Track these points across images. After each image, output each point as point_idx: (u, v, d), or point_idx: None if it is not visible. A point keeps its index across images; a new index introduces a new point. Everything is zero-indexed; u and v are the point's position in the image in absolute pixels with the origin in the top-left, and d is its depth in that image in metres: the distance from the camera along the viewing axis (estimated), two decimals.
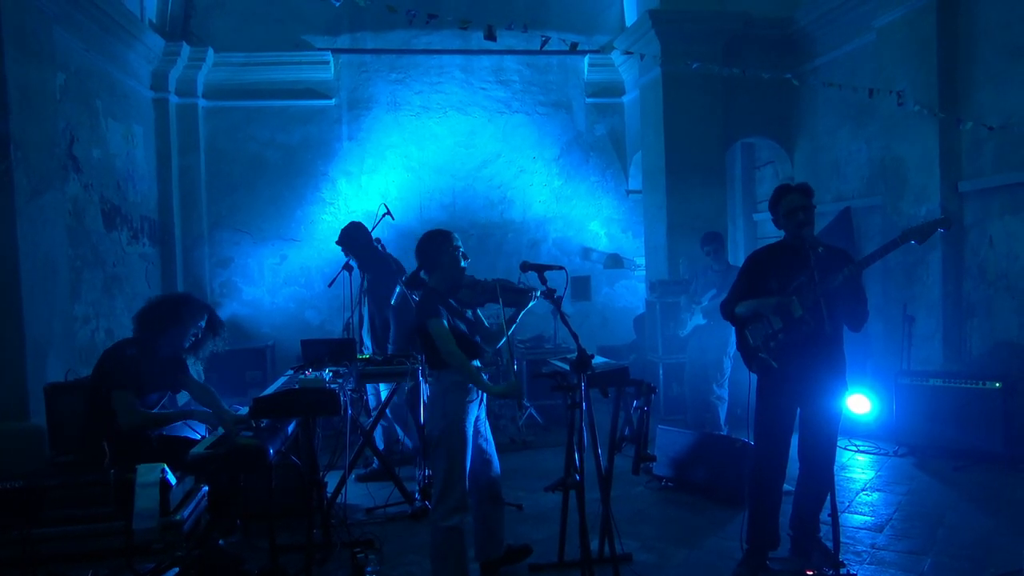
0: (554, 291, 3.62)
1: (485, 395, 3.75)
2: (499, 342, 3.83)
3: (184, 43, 8.21)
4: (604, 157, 9.42)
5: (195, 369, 6.97)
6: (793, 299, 3.66)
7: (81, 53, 6.60)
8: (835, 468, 3.77)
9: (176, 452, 3.67)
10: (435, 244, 3.66)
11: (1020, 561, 3.60)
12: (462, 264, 3.67)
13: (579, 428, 3.43)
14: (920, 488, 5.09)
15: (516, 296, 3.72)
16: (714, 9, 7.64)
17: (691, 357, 6.76)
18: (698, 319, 6.57)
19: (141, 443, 3.74)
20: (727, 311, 3.94)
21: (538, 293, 3.65)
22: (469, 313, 3.81)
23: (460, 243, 3.70)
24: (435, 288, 3.67)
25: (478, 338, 3.77)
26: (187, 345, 4.16)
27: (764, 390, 3.83)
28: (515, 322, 3.80)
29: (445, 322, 3.52)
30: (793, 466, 3.93)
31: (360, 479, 5.47)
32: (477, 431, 3.73)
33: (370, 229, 5.90)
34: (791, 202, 3.72)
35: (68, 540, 2.84)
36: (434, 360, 3.61)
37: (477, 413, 3.71)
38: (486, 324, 3.94)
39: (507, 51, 8.93)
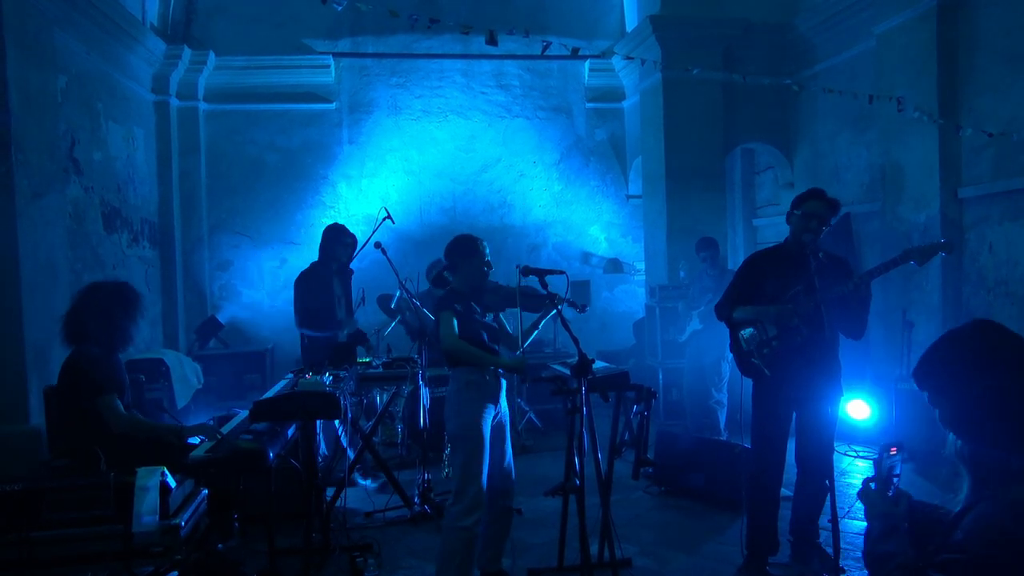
0: (570, 300, 3.71)
1: (504, 397, 3.75)
2: (521, 347, 3.86)
3: (185, 46, 8.22)
4: (604, 162, 9.44)
5: (192, 369, 7.02)
6: (791, 309, 3.66)
7: (82, 56, 6.61)
8: (835, 474, 3.76)
9: (172, 454, 3.66)
10: (464, 248, 3.77)
11: None
12: (484, 271, 3.77)
13: (579, 433, 3.43)
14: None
15: (537, 302, 3.78)
16: (714, 15, 7.65)
17: (689, 362, 6.77)
18: (695, 324, 6.58)
19: (134, 447, 3.71)
20: (723, 313, 3.95)
21: (559, 300, 3.69)
22: (490, 317, 3.85)
23: (488, 252, 3.80)
24: (456, 288, 3.75)
25: (499, 344, 3.82)
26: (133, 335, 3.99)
27: (759, 395, 3.85)
28: (537, 327, 3.83)
29: (454, 318, 3.59)
30: (792, 471, 3.93)
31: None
32: (496, 434, 3.72)
33: (370, 233, 5.91)
34: (814, 207, 3.71)
35: (67, 543, 2.82)
36: (448, 359, 3.67)
37: (496, 411, 3.71)
38: (508, 330, 3.97)
39: (508, 56, 8.95)
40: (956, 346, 1.78)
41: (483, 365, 3.60)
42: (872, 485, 2.01)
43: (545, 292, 3.71)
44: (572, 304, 3.70)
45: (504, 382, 3.76)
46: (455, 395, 3.63)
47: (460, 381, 3.63)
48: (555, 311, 3.71)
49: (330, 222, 8.82)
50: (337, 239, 5.81)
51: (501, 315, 3.98)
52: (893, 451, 2.02)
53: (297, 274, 5.78)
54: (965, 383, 1.72)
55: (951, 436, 1.82)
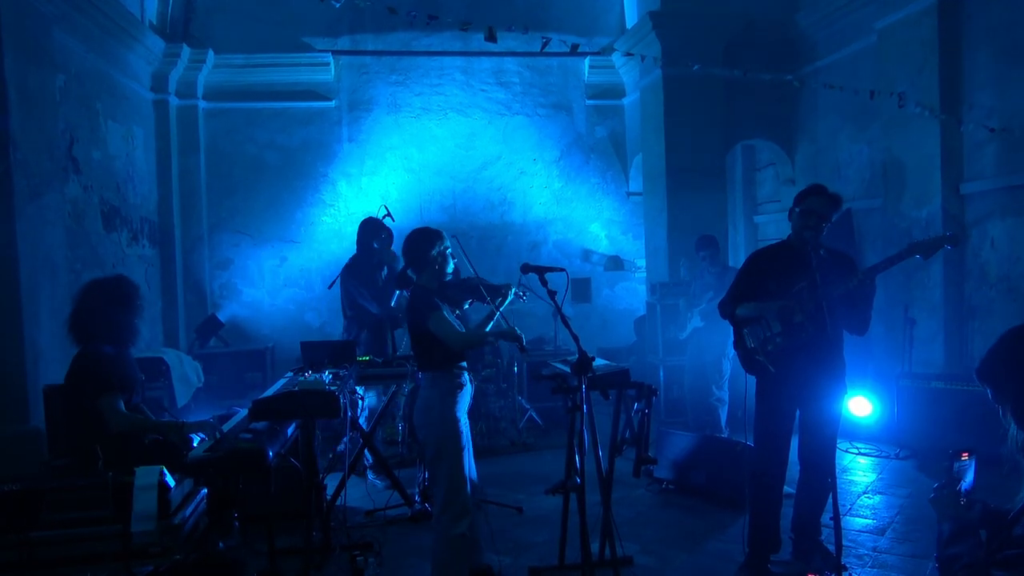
0: (518, 291, 3.71)
1: (470, 397, 3.72)
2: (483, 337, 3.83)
3: (184, 45, 8.20)
4: (604, 159, 9.41)
5: (192, 367, 7.01)
6: (793, 304, 3.65)
7: (81, 55, 6.59)
8: (836, 471, 3.76)
9: (170, 453, 3.65)
10: (422, 242, 3.62)
11: None
12: (449, 265, 3.66)
13: (579, 430, 3.42)
14: (922, 491, 5.06)
15: (495, 292, 3.72)
16: (715, 11, 7.62)
17: (690, 359, 6.76)
18: (696, 321, 6.56)
19: (134, 446, 3.70)
20: (726, 311, 3.94)
21: (514, 289, 3.67)
22: (457, 312, 3.81)
23: (448, 243, 3.67)
24: (425, 285, 3.63)
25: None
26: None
27: (763, 392, 3.83)
28: (493, 318, 3.71)
29: (446, 313, 3.49)
30: (794, 468, 3.92)
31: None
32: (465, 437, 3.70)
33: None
34: (813, 204, 3.70)
35: (66, 543, 2.82)
36: (430, 361, 3.56)
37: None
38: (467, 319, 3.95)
39: (507, 53, 8.92)
40: (1020, 342, 1.78)
41: (489, 338, 3.55)
42: (944, 490, 2.00)
43: (500, 283, 3.74)
44: (518, 295, 3.72)
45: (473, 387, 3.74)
46: (438, 401, 3.51)
47: (442, 387, 3.52)
48: (511, 300, 3.71)
49: (331, 220, 8.91)
50: (375, 233, 5.95)
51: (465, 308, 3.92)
52: (964, 456, 2.01)
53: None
54: None
55: (1012, 431, 1.81)
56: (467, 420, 3.75)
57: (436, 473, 3.52)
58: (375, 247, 5.94)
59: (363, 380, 4.87)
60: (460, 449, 3.50)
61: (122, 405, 3.71)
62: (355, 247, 6.08)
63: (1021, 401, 1.76)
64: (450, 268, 3.68)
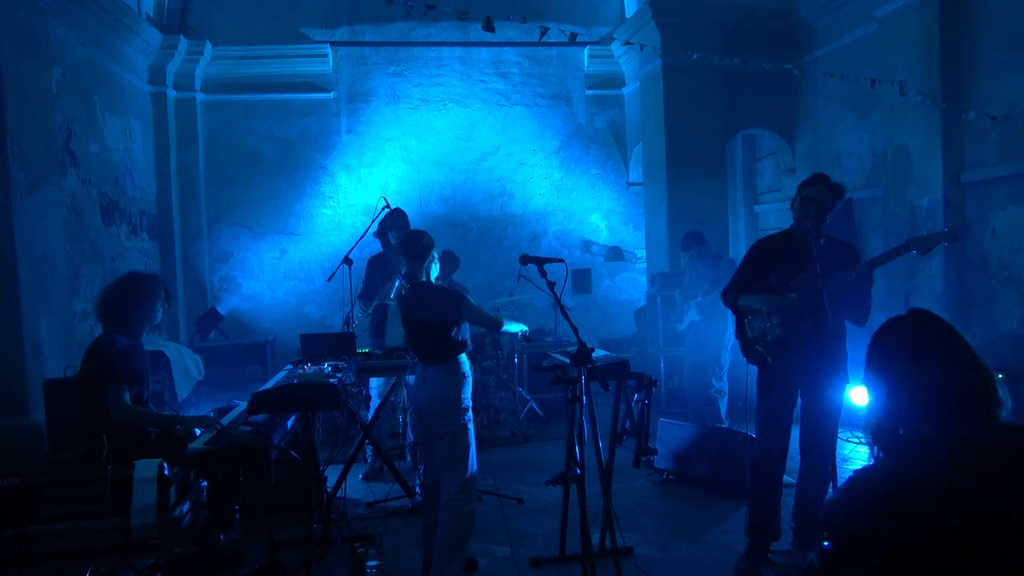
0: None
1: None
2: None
3: (182, 37, 8.15)
4: (604, 149, 9.38)
5: (192, 361, 7.01)
6: (795, 301, 3.65)
7: (78, 47, 6.56)
8: (837, 460, 3.76)
9: (175, 446, 3.66)
10: (429, 244, 3.80)
11: None
12: (435, 270, 3.84)
13: (579, 422, 3.42)
14: None
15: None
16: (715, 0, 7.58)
17: (689, 351, 6.75)
18: (693, 314, 6.55)
19: (139, 437, 3.71)
20: (729, 300, 3.94)
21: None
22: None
23: (436, 252, 3.82)
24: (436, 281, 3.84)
25: None
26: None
27: (764, 382, 3.84)
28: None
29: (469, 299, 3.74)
30: (795, 458, 3.91)
31: (365, 479, 5.49)
32: None
33: (369, 223, 5.88)
34: (814, 193, 3.71)
35: (65, 537, 2.82)
36: (443, 354, 3.65)
37: None
38: None
39: (506, 43, 8.88)
40: (885, 337, 1.76)
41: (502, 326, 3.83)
42: None
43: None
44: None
45: None
46: (455, 388, 3.63)
47: (457, 374, 3.66)
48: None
49: (330, 212, 8.89)
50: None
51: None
52: None
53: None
54: (889, 372, 1.72)
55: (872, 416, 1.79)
56: None
57: (455, 454, 3.62)
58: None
59: (363, 372, 4.86)
60: (471, 431, 3.67)
61: (127, 397, 3.71)
62: (359, 238, 6.00)
63: (879, 393, 1.76)
64: (435, 273, 3.83)
